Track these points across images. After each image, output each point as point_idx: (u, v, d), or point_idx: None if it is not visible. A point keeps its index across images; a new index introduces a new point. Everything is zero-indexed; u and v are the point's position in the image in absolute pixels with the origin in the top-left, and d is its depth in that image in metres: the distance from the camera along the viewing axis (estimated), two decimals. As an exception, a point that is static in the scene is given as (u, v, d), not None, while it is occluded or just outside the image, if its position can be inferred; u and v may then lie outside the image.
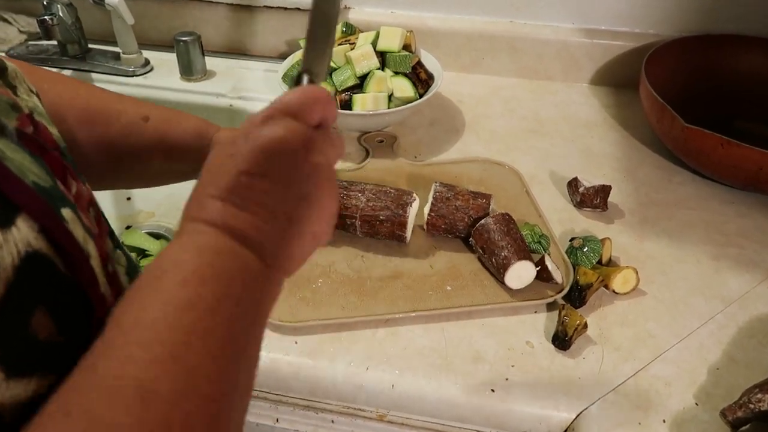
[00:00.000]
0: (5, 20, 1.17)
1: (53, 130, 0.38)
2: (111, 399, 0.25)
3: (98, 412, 0.24)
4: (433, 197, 0.72)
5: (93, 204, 0.39)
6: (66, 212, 0.30)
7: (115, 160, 0.57)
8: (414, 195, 0.71)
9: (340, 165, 0.87)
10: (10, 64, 0.38)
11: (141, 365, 0.26)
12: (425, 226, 0.72)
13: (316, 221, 0.37)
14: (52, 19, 0.99)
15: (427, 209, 0.72)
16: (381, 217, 0.69)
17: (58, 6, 1.01)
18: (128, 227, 1.02)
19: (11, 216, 0.27)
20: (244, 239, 0.33)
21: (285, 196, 0.35)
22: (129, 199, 1.08)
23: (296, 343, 0.61)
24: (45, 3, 1.01)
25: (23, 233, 0.27)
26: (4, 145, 0.29)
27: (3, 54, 1.09)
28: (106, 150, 0.56)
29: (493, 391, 0.57)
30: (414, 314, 0.63)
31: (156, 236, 1.00)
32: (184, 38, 1.03)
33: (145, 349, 0.27)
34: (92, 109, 0.55)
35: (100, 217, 0.39)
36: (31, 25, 1.17)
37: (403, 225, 0.69)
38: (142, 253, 0.97)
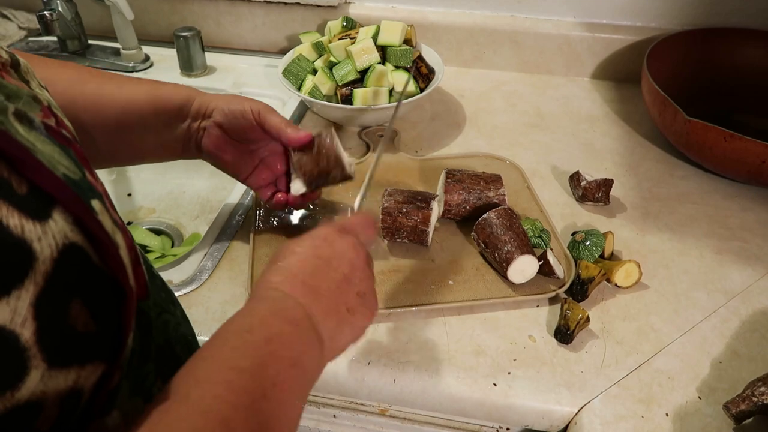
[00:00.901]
0: (5, 16, 1.16)
1: (68, 123, 0.38)
2: (198, 429, 0.29)
3: None
4: (446, 174, 0.72)
5: (107, 197, 0.39)
6: (95, 203, 0.31)
7: (116, 138, 0.60)
8: (436, 194, 0.71)
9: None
10: (23, 61, 0.38)
11: (227, 405, 0.30)
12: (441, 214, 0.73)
13: (366, 318, 0.45)
14: (51, 15, 0.99)
15: (440, 193, 0.72)
16: (404, 210, 0.68)
17: (58, 1, 1.01)
18: (129, 223, 1.02)
19: (48, 208, 0.28)
20: (312, 315, 0.40)
21: (349, 289, 0.43)
22: (130, 195, 1.07)
23: (298, 337, 0.61)
24: (44, 1, 1.01)
25: (60, 225, 0.28)
26: (34, 137, 0.30)
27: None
28: (112, 129, 0.59)
29: (495, 385, 0.57)
30: (416, 308, 0.63)
31: (157, 232, 1.00)
32: (184, 34, 1.02)
33: (232, 391, 0.31)
34: (99, 92, 0.58)
35: (115, 210, 0.40)
36: (31, 21, 1.17)
37: (426, 219, 0.67)
38: (143, 248, 0.97)
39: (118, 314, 0.31)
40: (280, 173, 0.69)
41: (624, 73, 1.07)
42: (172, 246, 0.99)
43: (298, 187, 0.66)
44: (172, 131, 0.62)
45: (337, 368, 0.59)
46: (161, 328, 0.40)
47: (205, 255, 0.70)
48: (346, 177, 0.65)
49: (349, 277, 0.43)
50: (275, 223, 0.73)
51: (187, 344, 0.45)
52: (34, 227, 0.26)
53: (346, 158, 0.65)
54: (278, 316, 0.38)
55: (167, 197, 1.06)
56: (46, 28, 1.01)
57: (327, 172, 0.65)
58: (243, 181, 0.67)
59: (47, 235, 0.27)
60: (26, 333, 0.25)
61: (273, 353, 0.35)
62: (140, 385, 0.35)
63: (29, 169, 0.27)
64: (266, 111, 0.62)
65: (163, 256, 0.95)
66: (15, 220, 0.26)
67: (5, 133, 0.27)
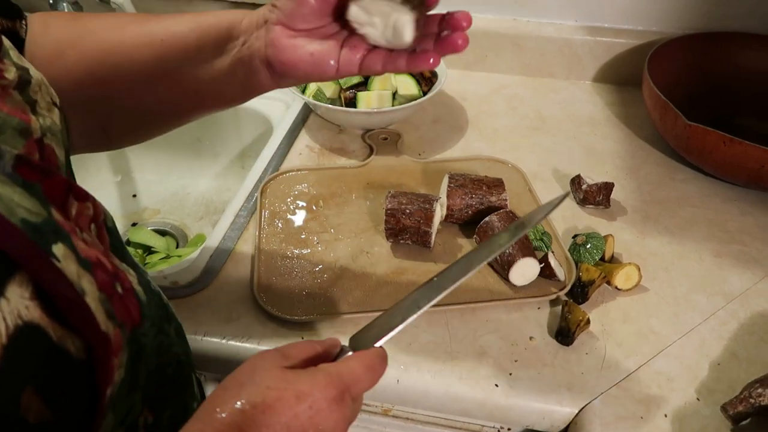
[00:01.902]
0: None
1: (60, 153, 0.37)
2: None
3: None
4: (449, 179, 0.73)
5: (97, 218, 0.38)
6: (58, 249, 0.29)
7: (162, 82, 0.52)
8: (439, 196, 0.72)
9: (344, 162, 0.87)
10: (36, 75, 0.37)
11: None
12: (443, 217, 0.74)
13: None
14: (58, 18, 1.00)
15: (443, 195, 0.73)
16: (407, 210, 0.68)
17: (64, 4, 1.02)
18: (134, 224, 1.03)
19: (1, 285, 0.26)
20: None
21: None
22: (135, 196, 1.08)
23: (302, 338, 0.62)
24: (51, 2, 1.02)
25: (14, 303, 0.26)
26: None
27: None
28: (155, 70, 0.51)
29: (497, 386, 0.58)
30: (418, 310, 0.64)
31: (162, 233, 1.01)
32: (189, 36, 1.03)
33: None
34: (138, 32, 0.51)
35: (102, 232, 0.38)
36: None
37: (429, 220, 0.68)
38: (148, 249, 0.98)
39: (87, 390, 0.29)
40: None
41: (625, 76, 1.07)
42: (177, 247, 1.00)
43: (396, 26, 0.44)
44: (225, 57, 0.50)
45: (341, 369, 0.60)
46: (154, 352, 0.38)
47: (211, 256, 0.71)
48: None
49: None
50: (280, 225, 0.74)
51: (179, 364, 0.42)
52: None
53: None
54: None
55: (172, 198, 1.07)
56: (53, 30, 1.02)
57: None
58: (336, 74, 0.48)
59: None
60: None
61: None
62: (126, 416, 0.33)
63: None
64: None
65: (168, 257, 0.96)
66: None
67: None
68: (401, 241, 0.71)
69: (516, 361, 0.60)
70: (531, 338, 0.62)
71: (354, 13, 0.44)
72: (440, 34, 0.45)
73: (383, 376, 0.58)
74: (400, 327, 0.43)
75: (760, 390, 0.54)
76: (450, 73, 1.00)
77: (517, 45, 1.08)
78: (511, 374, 0.59)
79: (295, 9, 0.45)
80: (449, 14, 0.44)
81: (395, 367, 0.59)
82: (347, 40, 0.47)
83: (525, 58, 1.10)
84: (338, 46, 0.47)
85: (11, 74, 0.35)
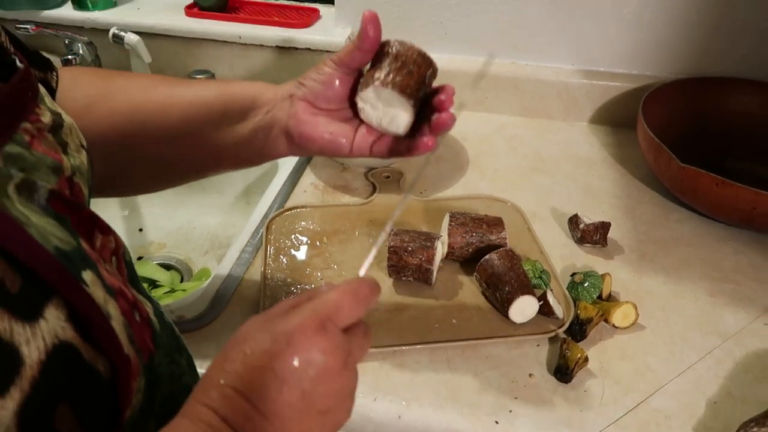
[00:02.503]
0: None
1: (85, 190, 0.40)
2: None
3: None
4: (450, 217, 0.75)
5: (118, 250, 0.40)
6: (87, 275, 0.31)
7: (186, 139, 0.56)
8: (440, 234, 0.74)
9: (347, 200, 0.90)
10: (68, 119, 0.40)
11: None
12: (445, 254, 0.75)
13: None
14: (75, 59, 1.04)
15: (444, 234, 0.75)
16: (409, 248, 0.70)
17: (79, 45, 1.06)
18: (140, 258, 1.05)
19: (40, 307, 0.28)
20: None
21: (307, 409, 0.34)
22: (141, 230, 1.10)
23: (306, 373, 0.63)
24: (66, 42, 1.06)
25: (51, 324, 0.28)
26: (29, 210, 0.31)
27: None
28: (180, 129, 0.55)
29: (497, 422, 0.59)
30: (420, 346, 0.65)
31: (167, 267, 1.03)
32: (198, 76, 1.07)
33: None
34: (168, 93, 0.56)
35: (122, 264, 0.40)
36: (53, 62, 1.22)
37: (431, 257, 0.69)
38: (153, 283, 1.00)
39: (111, 405, 0.31)
40: None
41: (621, 118, 1.11)
42: (181, 281, 1.01)
43: (395, 118, 0.50)
44: (248, 124, 0.54)
45: (344, 404, 0.61)
46: (167, 381, 0.39)
47: (217, 291, 0.72)
48: (435, 72, 0.52)
49: (309, 393, 0.34)
50: (285, 261, 0.76)
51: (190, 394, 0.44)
52: (23, 329, 0.26)
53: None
54: None
55: (178, 232, 1.09)
56: (68, 70, 1.06)
57: (422, 77, 0.50)
58: (348, 154, 0.53)
59: (36, 337, 0.27)
60: None
61: None
62: None
63: (20, 245, 0.27)
64: (341, 53, 0.51)
65: (172, 290, 0.98)
66: (4, 323, 0.25)
67: (2, 212, 0.27)
68: (403, 278, 0.72)
69: (516, 398, 0.61)
70: (530, 375, 0.64)
71: (364, 95, 0.50)
72: (430, 115, 0.50)
73: (384, 414, 0.60)
74: (374, 251, 0.44)
75: (755, 429, 0.55)
76: (451, 114, 1.03)
77: (516, 87, 1.12)
78: (511, 411, 0.60)
79: (320, 90, 0.51)
80: (436, 98, 0.50)
81: (397, 403, 0.60)
82: (360, 126, 0.53)
83: (524, 100, 1.13)
84: (353, 130, 0.52)
85: (47, 118, 0.38)
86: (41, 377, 0.26)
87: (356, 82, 0.52)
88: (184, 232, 1.09)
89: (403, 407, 0.60)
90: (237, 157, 0.57)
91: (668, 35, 1.04)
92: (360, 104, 0.51)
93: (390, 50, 0.50)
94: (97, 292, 0.31)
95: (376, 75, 0.49)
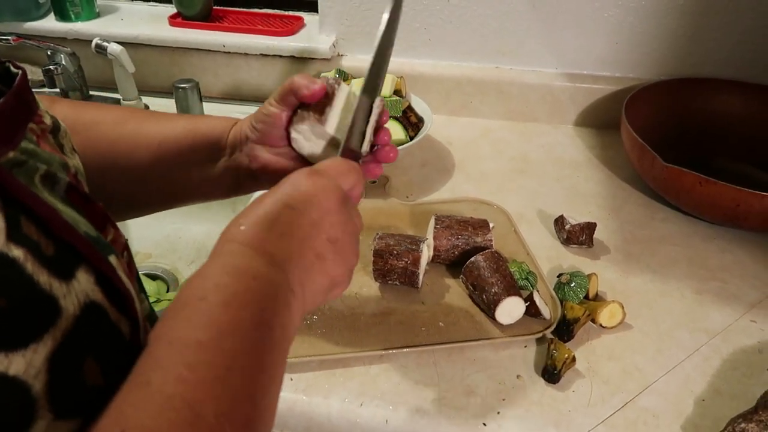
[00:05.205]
0: (9, 69, 1.20)
1: (86, 190, 0.40)
2: (164, 419, 0.28)
3: (153, 430, 0.27)
4: (435, 220, 0.75)
5: (126, 248, 0.41)
6: (112, 259, 0.32)
7: (156, 177, 0.58)
8: (426, 237, 0.74)
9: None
10: (62, 124, 0.40)
11: (190, 386, 0.29)
12: (431, 257, 0.75)
13: (339, 266, 0.42)
14: (57, 69, 1.03)
15: (430, 237, 0.74)
16: (395, 252, 0.70)
17: (62, 55, 1.05)
18: (126, 268, 1.04)
19: (72, 269, 0.29)
20: (277, 264, 0.37)
21: (317, 234, 0.41)
22: (126, 240, 1.09)
23: (291, 379, 0.62)
24: (49, 53, 1.05)
25: (83, 284, 0.29)
26: (54, 200, 0.32)
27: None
28: (150, 167, 0.57)
29: (485, 424, 0.58)
30: (407, 350, 0.65)
31: (153, 277, 1.02)
32: (183, 85, 1.06)
33: (193, 370, 0.30)
34: (137, 131, 0.57)
35: (131, 261, 0.41)
36: (34, 73, 1.21)
37: (416, 260, 0.69)
38: (139, 293, 0.98)
39: (127, 369, 0.32)
40: None
41: (605, 120, 1.11)
42: (168, 291, 1.00)
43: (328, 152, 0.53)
44: (216, 165, 0.57)
45: (330, 410, 0.60)
46: None
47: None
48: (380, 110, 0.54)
49: (316, 221, 0.41)
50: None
51: None
52: (60, 285, 0.28)
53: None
54: (234, 273, 0.36)
55: (164, 242, 1.08)
56: (51, 81, 1.05)
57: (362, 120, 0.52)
58: None
59: (71, 294, 0.28)
60: (38, 385, 0.26)
61: (232, 319, 0.33)
62: None
63: (58, 227, 0.29)
64: (281, 90, 0.53)
65: (158, 300, 0.97)
66: (44, 278, 0.27)
67: (36, 196, 0.29)
68: (389, 282, 0.72)
69: (504, 399, 0.61)
70: (518, 377, 0.63)
71: (299, 127, 0.52)
72: (372, 148, 0.55)
73: (371, 419, 0.59)
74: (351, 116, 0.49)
75: (743, 425, 0.55)
76: (436, 119, 1.03)
77: (500, 91, 1.12)
78: (499, 413, 0.59)
79: (270, 130, 0.54)
80: (375, 134, 0.54)
81: (384, 407, 0.60)
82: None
83: (509, 104, 1.14)
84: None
85: (48, 120, 0.38)
86: (74, 330, 0.28)
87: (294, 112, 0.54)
88: (170, 241, 1.08)
89: (390, 411, 0.60)
90: (208, 194, 0.60)
91: (650, 38, 1.05)
92: (294, 134, 0.53)
93: (332, 86, 0.52)
94: (122, 276, 0.33)
95: (315, 115, 0.51)
